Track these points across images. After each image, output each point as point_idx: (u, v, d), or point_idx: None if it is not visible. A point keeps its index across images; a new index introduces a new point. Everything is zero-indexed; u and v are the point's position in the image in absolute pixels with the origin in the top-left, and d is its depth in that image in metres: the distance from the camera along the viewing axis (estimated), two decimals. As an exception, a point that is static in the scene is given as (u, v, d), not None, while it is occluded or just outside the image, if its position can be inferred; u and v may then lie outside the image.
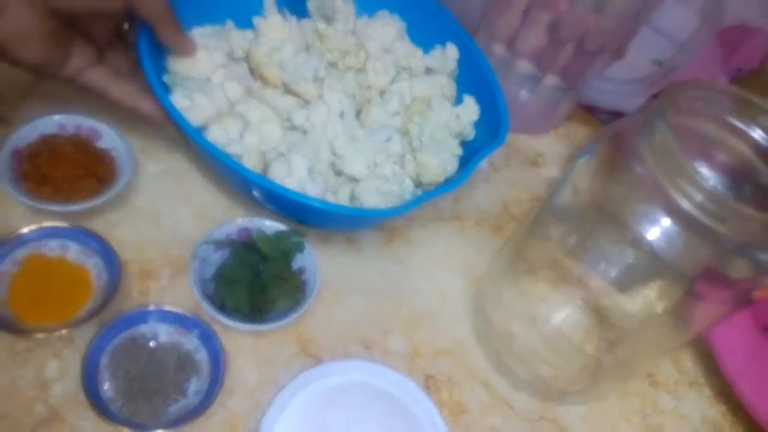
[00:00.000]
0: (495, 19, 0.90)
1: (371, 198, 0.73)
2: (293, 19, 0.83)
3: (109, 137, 0.74)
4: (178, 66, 0.73)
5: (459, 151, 0.82)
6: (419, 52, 0.89)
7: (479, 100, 0.85)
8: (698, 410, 0.78)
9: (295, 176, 0.71)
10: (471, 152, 0.80)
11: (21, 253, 0.65)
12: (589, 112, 1.06)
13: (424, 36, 0.90)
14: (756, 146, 0.59)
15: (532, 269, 0.75)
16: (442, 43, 0.89)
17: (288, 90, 0.80)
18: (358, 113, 0.83)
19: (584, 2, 0.80)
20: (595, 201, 0.62)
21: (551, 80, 0.92)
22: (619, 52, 0.89)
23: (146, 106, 0.70)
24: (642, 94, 0.95)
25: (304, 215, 0.74)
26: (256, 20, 0.82)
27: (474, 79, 0.87)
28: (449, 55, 0.88)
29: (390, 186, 0.75)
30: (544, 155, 0.99)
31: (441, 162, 0.78)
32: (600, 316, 0.73)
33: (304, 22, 0.86)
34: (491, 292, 0.76)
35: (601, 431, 0.74)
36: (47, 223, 0.67)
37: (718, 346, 0.77)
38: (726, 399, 0.80)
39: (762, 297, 0.58)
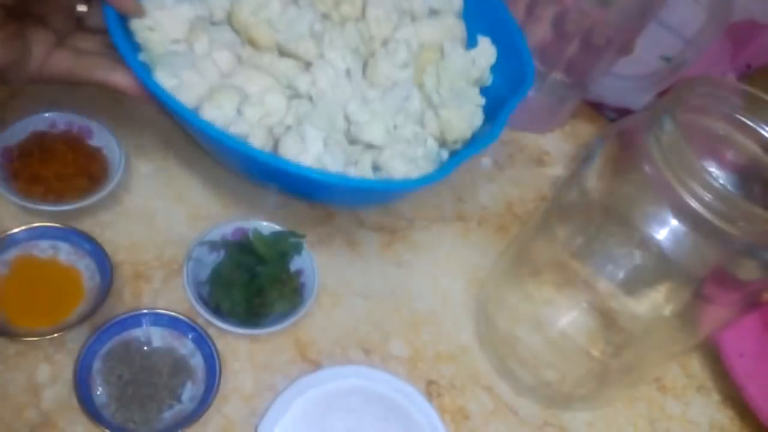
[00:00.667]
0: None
1: (399, 167, 0.68)
2: None
3: (100, 135, 0.73)
4: (145, 35, 0.67)
5: (481, 100, 0.75)
6: None
7: (494, 41, 0.79)
8: (706, 415, 0.77)
9: (311, 151, 0.66)
10: (493, 102, 0.75)
11: (11, 254, 0.64)
12: (595, 109, 1.05)
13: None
14: (766, 144, 0.58)
15: (536, 271, 0.75)
16: None
17: (284, 52, 0.73)
18: (363, 70, 0.76)
19: (590, -4, 0.79)
20: (602, 201, 0.62)
21: (557, 77, 0.91)
22: (626, 48, 0.88)
23: (118, 78, 0.64)
24: (649, 90, 0.94)
25: (330, 195, 0.71)
26: None
27: (486, 16, 0.80)
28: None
29: (414, 150, 0.70)
30: (550, 154, 0.98)
31: (466, 116, 0.72)
32: (606, 319, 0.72)
33: None
34: (495, 295, 0.75)
35: (608, 437, 0.73)
36: (38, 224, 0.65)
37: (727, 349, 0.76)
38: (734, 403, 0.79)
39: (772, 299, 0.57)
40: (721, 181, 0.49)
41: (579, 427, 0.72)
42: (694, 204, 0.51)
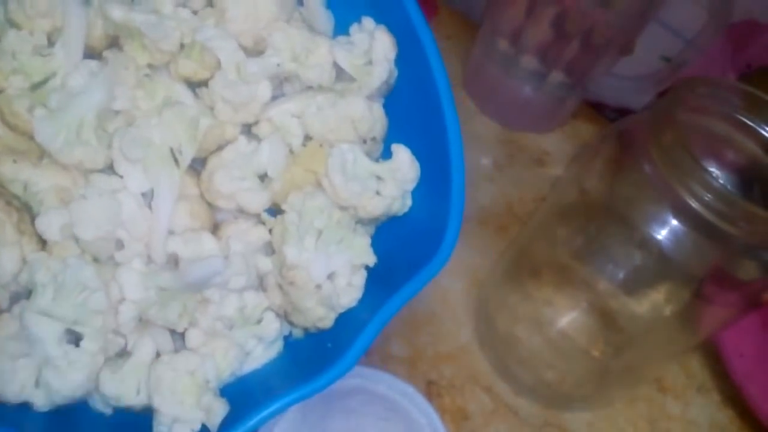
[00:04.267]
0: (499, 13, 0.89)
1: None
2: None
3: None
4: None
5: (370, 258, 0.51)
6: (323, 42, 0.52)
7: (421, 149, 0.52)
8: (706, 415, 0.77)
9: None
10: (396, 239, 0.54)
11: None
12: (595, 109, 1.04)
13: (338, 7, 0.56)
14: (766, 144, 0.58)
15: (536, 271, 0.74)
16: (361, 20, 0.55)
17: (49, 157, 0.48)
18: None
19: (590, -4, 0.78)
20: (602, 201, 0.62)
21: (557, 77, 0.91)
22: (626, 48, 0.88)
23: None
24: (649, 90, 0.94)
25: None
26: None
27: (418, 103, 0.53)
28: (377, 50, 0.52)
29: (243, 341, 0.49)
30: (550, 154, 0.97)
31: (324, 297, 0.49)
32: (606, 319, 0.72)
33: None
34: (494, 295, 0.75)
35: (608, 437, 0.73)
36: None
37: (727, 349, 0.76)
38: (734, 403, 0.78)
39: (772, 299, 0.57)
40: (721, 181, 0.49)
41: (579, 427, 0.72)
42: (694, 204, 0.51)
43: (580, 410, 0.73)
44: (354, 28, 0.55)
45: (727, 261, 0.56)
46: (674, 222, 0.54)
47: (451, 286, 0.78)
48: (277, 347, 0.52)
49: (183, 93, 0.51)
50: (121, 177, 0.48)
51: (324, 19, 0.56)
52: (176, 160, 0.49)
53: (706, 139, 0.59)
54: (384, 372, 0.67)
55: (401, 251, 0.53)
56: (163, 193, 0.48)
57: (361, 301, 0.51)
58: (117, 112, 0.49)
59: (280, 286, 0.50)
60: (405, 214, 0.55)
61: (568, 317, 0.74)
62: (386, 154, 0.55)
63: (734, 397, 0.78)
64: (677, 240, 0.54)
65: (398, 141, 0.53)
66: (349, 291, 0.50)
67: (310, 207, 0.49)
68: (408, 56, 0.53)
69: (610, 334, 0.72)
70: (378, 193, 0.51)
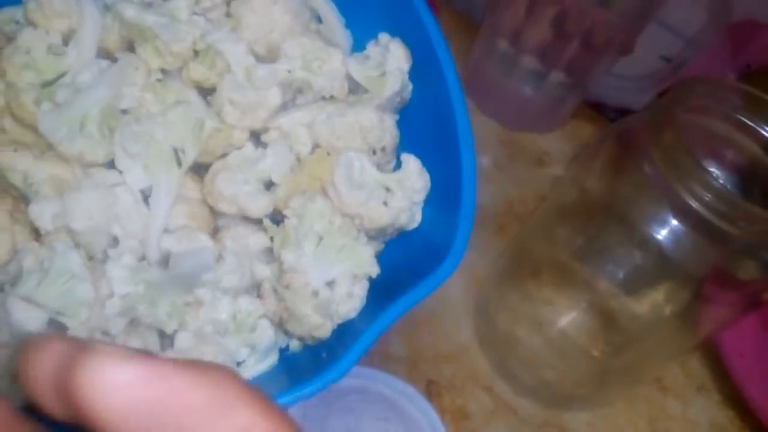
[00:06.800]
0: (499, 13, 0.89)
1: None
2: None
3: None
4: None
5: (373, 269, 0.49)
6: (336, 53, 0.52)
7: (433, 160, 0.52)
8: (706, 415, 0.77)
9: None
10: (404, 252, 0.53)
11: None
12: (595, 109, 1.04)
13: (353, 18, 0.56)
14: (766, 144, 0.58)
15: (536, 271, 0.74)
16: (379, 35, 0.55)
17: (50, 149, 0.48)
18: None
19: (590, -4, 0.78)
20: (602, 201, 0.61)
21: (557, 77, 0.91)
22: (626, 48, 0.88)
23: None
24: (649, 90, 0.94)
25: None
26: None
27: (432, 115, 0.53)
28: (391, 60, 0.53)
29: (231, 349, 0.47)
30: (550, 154, 0.97)
31: (321, 305, 0.47)
32: (606, 319, 0.72)
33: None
34: (494, 295, 0.75)
35: (608, 437, 0.73)
36: None
37: (727, 349, 0.76)
38: (734, 403, 0.78)
39: (772, 299, 0.57)
40: (721, 181, 0.49)
41: (579, 427, 0.72)
42: (694, 204, 0.51)
43: (580, 410, 0.73)
44: (370, 44, 0.55)
45: (727, 261, 0.56)
46: (674, 222, 0.54)
47: (451, 285, 0.78)
48: (272, 359, 0.50)
49: (193, 98, 0.50)
50: (121, 172, 0.47)
51: (342, 36, 0.56)
52: (178, 160, 0.48)
53: (706, 139, 0.59)
54: (384, 372, 0.67)
55: (407, 264, 0.52)
56: (162, 190, 0.47)
57: (363, 313, 0.49)
58: (124, 111, 0.49)
59: (276, 291, 0.48)
60: (414, 230, 0.53)
61: (568, 317, 0.74)
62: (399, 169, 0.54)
63: (734, 397, 0.77)
64: (677, 240, 0.54)
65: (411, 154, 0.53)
66: (349, 301, 0.48)
67: (310, 210, 0.47)
68: (425, 73, 0.52)
69: (610, 334, 0.72)
70: (385, 203, 0.50)
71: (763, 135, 0.57)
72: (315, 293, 0.46)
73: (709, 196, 0.50)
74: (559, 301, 0.74)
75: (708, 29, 0.86)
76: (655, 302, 0.65)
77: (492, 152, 0.93)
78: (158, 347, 0.47)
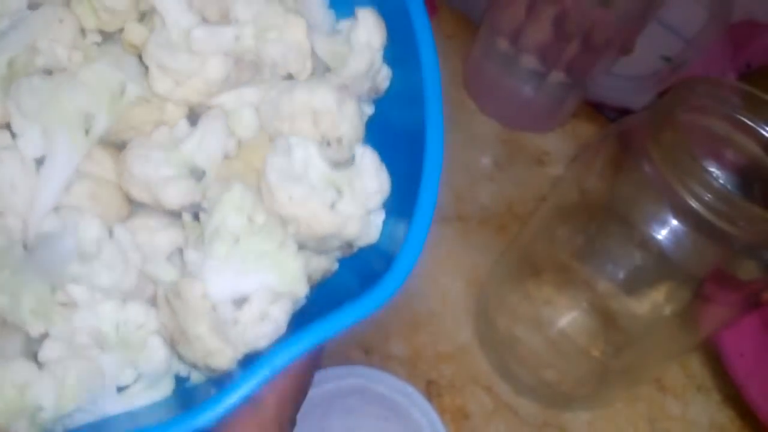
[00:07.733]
0: (499, 13, 0.89)
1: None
2: None
3: None
4: None
5: (299, 287, 0.37)
6: (299, 22, 0.40)
7: (398, 163, 0.40)
8: (706, 415, 0.77)
9: None
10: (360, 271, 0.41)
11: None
12: (595, 109, 1.04)
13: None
14: (766, 144, 0.58)
15: (536, 271, 0.74)
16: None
17: None
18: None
19: (590, -4, 0.78)
20: (602, 201, 0.62)
21: (557, 77, 0.91)
22: (626, 48, 0.88)
23: None
24: (649, 90, 0.93)
25: None
26: None
27: (405, 116, 0.42)
28: (359, 33, 0.41)
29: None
30: (550, 154, 0.97)
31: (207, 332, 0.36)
32: (607, 319, 0.72)
33: None
34: (495, 295, 0.75)
35: (608, 437, 0.72)
36: None
37: (727, 349, 0.76)
38: (734, 403, 0.78)
39: (772, 299, 0.57)
40: (721, 181, 0.49)
41: (579, 427, 0.72)
42: (694, 204, 0.51)
43: (580, 410, 0.73)
44: (345, 20, 0.44)
45: (727, 261, 0.56)
46: (674, 222, 0.54)
47: (451, 286, 0.78)
48: (164, 389, 0.39)
49: (127, 63, 0.41)
50: (15, 135, 0.38)
51: (319, 13, 0.45)
52: (87, 129, 0.39)
53: (706, 139, 0.59)
54: (384, 372, 0.67)
55: (342, 287, 0.41)
56: (58, 160, 0.38)
57: (280, 345, 0.35)
58: (47, 72, 0.39)
59: (168, 300, 0.37)
60: (373, 247, 0.41)
61: (568, 317, 0.74)
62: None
63: (734, 397, 0.78)
64: (677, 240, 0.54)
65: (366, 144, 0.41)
66: (261, 324, 0.36)
67: (224, 201, 0.37)
68: (404, 61, 0.42)
69: (610, 334, 0.72)
70: (333, 207, 0.38)
71: (763, 135, 0.57)
72: (213, 308, 0.36)
73: (710, 196, 0.50)
74: (559, 301, 0.74)
75: (708, 29, 0.86)
76: (655, 302, 0.65)
77: (492, 152, 0.92)
78: (17, 352, 0.37)
